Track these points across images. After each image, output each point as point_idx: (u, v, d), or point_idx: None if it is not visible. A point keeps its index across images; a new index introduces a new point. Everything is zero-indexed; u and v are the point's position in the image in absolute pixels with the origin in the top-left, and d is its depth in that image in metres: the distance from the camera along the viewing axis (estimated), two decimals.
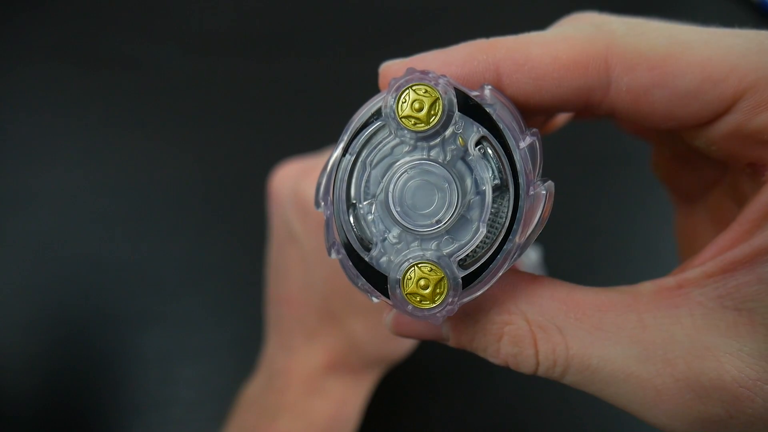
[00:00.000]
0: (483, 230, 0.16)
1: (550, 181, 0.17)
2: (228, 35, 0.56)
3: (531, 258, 0.43)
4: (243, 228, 0.49)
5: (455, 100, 0.16)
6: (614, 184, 0.49)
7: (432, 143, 0.17)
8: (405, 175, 0.17)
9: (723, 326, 0.16)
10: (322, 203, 0.18)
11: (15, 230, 0.48)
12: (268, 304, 0.37)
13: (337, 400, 0.34)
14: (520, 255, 0.16)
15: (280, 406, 0.33)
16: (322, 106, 0.53)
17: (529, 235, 0.16)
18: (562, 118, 0.26)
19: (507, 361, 0.18)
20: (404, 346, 0.36)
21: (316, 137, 0.43)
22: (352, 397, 0.35)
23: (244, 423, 0.35)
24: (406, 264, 0.16)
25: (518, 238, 0.16)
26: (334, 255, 0.18)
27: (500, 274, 0.16)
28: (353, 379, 0.35)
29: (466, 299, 0.17)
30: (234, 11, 0.57)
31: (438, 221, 0.17)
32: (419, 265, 0.16)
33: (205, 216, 0.49)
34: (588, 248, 0.47)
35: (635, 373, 0.16)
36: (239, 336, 0.45)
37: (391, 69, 0.18)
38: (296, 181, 0.34)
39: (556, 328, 0.17)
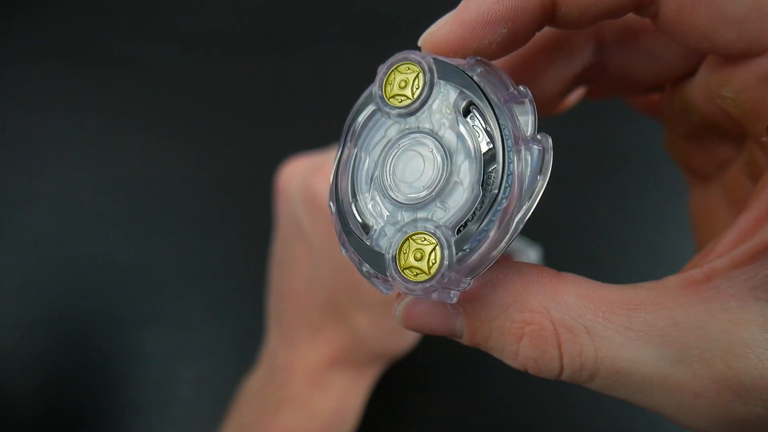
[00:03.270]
0: (474, 192, 0.15)
1: (546, 136, 0.16)
2: (228, 35, 0.56)
3: (531, 259, 0.43)
4: (243, 228, 0.49)
5: (435, 69, 0.16)
6: (614, 184, 0.49)
7: (420, 116, 0.17)
8: (395, 151, 0.17)
9: (760, 320, 0.15)
10: (330, 202, 0.18)
11: (15, 230, 0.48)
12: (270, 298, 0.37)
13: (339, 394, 0.34)
14: (521, 217, 0.15)
15: (282, 399, 0.33)
16: (323, 106, 0.53)
17: (527, 193, 0.15)
18: (574, 97, 0.26)
19: (526, 365, 0.17)
20: (407, 341, 0.36)
21: (317, 136, 0.44)
22: (354, 390, 0.35)
23: (245, 417, 0.35)
24: (399, 238, 0.16)
25: (514, 196, 0.15)
26: (342, 250, 0.17)
27: (493, 234, 0.15)
28: (356, 374, 0.35)
29: (469, 265, 0.15)
30: (234, 11, 0.57)
31: (427, 189, 0.16)
32: (413, 237, 0.16)
33: (205, 216, 0.49)
34: (588, 248, 0.47)
35: (671, 375, 0.15)
36: (239, 336, 0.45)
37: (436, 35, 0.17)
38: (305, 177, 0.34)
39: (584, 329, 0.16)
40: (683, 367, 0.15)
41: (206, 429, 0.41)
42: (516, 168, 0.15)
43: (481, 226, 0.15)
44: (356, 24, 0.56)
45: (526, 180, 0.15)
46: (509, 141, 0.15)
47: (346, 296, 0.33)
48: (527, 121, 0.16)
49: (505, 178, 0.15)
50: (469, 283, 0.16)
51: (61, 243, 0.48)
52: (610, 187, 0.49)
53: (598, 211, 0.49)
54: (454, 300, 0.16)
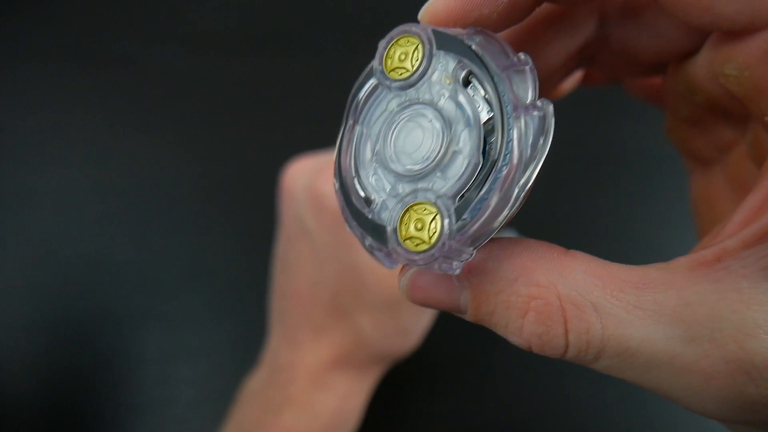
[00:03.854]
0: (473, 160, 0.15)
1: (547, 102, 0.15)
2: (228, 34, 0.56)
3: None
4: (243, 227, 0.49)
5: (434, 39, 0.16)
6: (614, 184, 0.49)
7: (420, 87, 0.17)
8: (396, 124, 0.17)
9: None
10: (334, 178, 0.18)
11: (15, 230, 0.48)
12: (273, 298, 0.37)
13: (341, 395, 0.34)
14: (522, 184, 0.15)
15: (285, 400, 0.33)
16: (325, 106, 0.53)
17: (529, 160, 0.15)
18: (571, 82, 0.25)
19: (530, 342, 0.16)
20: (410, 342, 0.36)
21: (319, 137, 0.44)
22: (356, 391, 0.35)
23: (247, 417, 0.35)
24: (399, 209, 0.16)
25: (513, 163, 0.15)
26: (346, 226, 0.17)
27: (494, 202, 0.15)
28: (358, 374, 0.35)
29: (470, 234, 0.15)
30: (235, 10, 0.57)
31: (426, 159, 0.16)
32: (413, 208, 0.16)
33: (205, 216, 0.49)
34: (587, 247, 0.47)
35: (680, 355, 0.15)
36: (239, 336, 0.45)
37: (436, 6, 0.17)
38: (310, 177, 0.34)
39: (591, 305, 0.15)
40: (693, 347, 0.15)
41: (206, 429, 0.41)
42: (515, 135, 0.15)
43: (481, 194, 0.15)
44: (358, 24, 0.56)
45: (527, 147, 0.15)
46: (508, 108, 0.15)
47: (349, 297, 0.33)
48: (527, 88, 0.16)
49: (504, 145, 0.15)
50: (472, 254, 0.15)
51: (62, 243, 0.48)
52: (610, 187, 0.49)
53: (598, 211, 0.49)
54: (457, 271, 0.15)
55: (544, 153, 0.15)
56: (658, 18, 0.20)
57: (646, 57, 0.21)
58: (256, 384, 0.36)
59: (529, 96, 0.15)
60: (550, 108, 0.15)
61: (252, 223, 0.48)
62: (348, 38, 0.56)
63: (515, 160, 0.15)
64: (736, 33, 0.17)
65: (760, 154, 0.19)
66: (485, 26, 0.17)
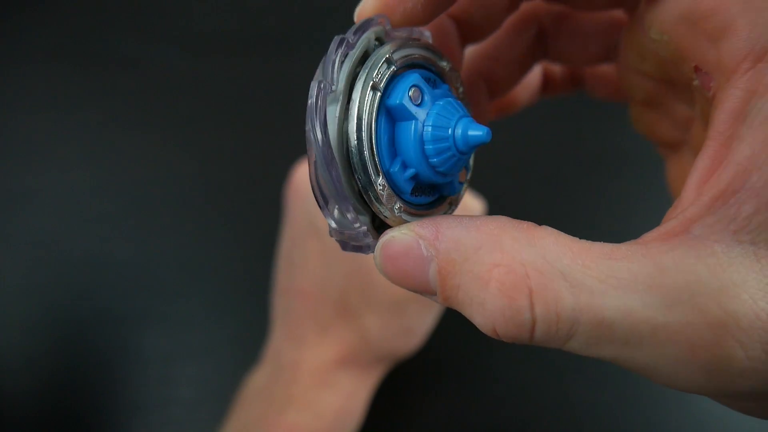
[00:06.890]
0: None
1: (349, 86, 0.16)
2: (228, 35, 0.56)
3: None
4: (243, 228, 0.49)
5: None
6: (614, 184, 0.50)
7: None
8: None
9: (747, 263, 0.14)
10: None
11: (15, 230, 0.48)
12: (277, 295, 0.37)
13: (345, 394, 0.34)
14: (326, 164, 0.16)
15: (288, 397, 0.33)
16: None
17: (334, 143, 0.15)
18: (527, 94, 0.25)
19: (494, 323, 0.15)
20: (414, 342, 0.36)
21: None
22: (359, 390, 0.35)
23: (250, 414, 0.35)
24: None
25: (310, 143, 0.16)
26: None
27: (320, 183, 0.16)
28: (362, 374, 0.35)
29: (334, 210, 0.16)
30: (234, 10, 0.57)
31: None
32: None
33: (205, 216, 0.49)
34: None
35: (662, 325, 0.13)
36: (239, 335, 0.45)
37: (365, 7, 0.18)
38: None
39: (560, 274, 0.14)
40: (675, 314, 0.13)
41: (206, 429, 0.41)
42: (318, 116, 0.15)
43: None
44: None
45: (322, 127, 0.15)
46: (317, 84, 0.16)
47: (357, 296, 0.33)
48: (339, 70, 0.16)
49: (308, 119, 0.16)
50: (353, 222, 0.16)
51: (61, 242, 0.48)
52: (610, 187, 0.49)
53: (597, 210, 0.49)
54: (368, 251, 0.17)
55: (352, 135, 0.15)
56: None
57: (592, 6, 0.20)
58: (258, 381, 0.36)
59: (332, 78, 0.16)
60: (318, 89, 0.16)
61: (252, 223, 0.48)
62: None
63: (311, 141, 0.15)
64: None
65: (708, 121, 0.19)
66: (416, 17, 0.17)
